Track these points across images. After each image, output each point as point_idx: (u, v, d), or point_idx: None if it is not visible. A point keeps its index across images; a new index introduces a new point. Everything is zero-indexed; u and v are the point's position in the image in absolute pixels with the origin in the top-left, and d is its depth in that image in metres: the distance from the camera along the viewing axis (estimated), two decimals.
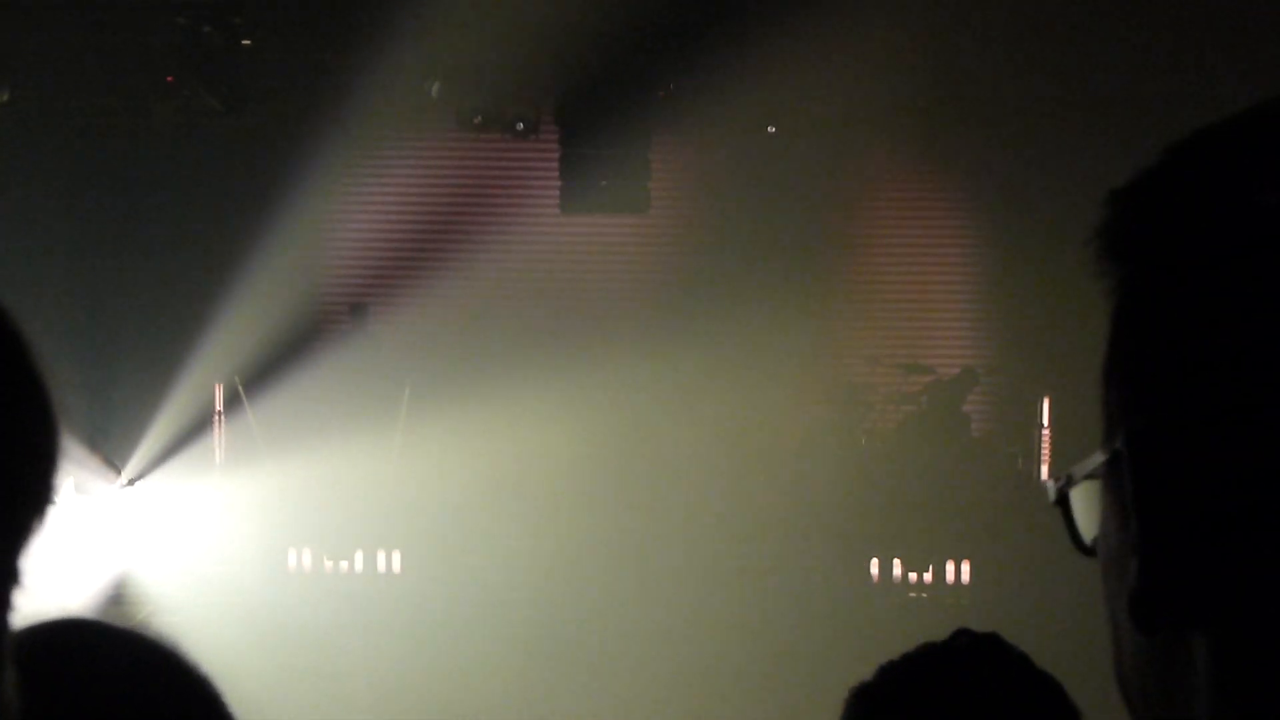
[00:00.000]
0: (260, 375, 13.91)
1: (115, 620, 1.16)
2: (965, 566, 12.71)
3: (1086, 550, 0.89)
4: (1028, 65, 13.38)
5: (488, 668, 11.24)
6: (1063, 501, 0.89)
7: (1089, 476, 0.88)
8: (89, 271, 13.56)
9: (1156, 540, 0.79)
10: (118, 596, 11.52)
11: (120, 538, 11.74)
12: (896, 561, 12.76)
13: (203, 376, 13.40)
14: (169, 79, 13.14)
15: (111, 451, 12.26)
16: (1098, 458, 0.86)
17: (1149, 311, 0.81)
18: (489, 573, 12.41)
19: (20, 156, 12.90)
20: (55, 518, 0.91)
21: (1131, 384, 0.83)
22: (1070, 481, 0.89)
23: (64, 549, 11.03)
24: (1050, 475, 0.90)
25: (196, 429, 13.23)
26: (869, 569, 12.83)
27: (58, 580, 10.56)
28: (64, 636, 1.28)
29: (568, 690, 11.72)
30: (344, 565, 12.90)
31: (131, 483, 12.34)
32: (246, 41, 12.82)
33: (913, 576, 12.78)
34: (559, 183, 13.94)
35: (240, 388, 13.69)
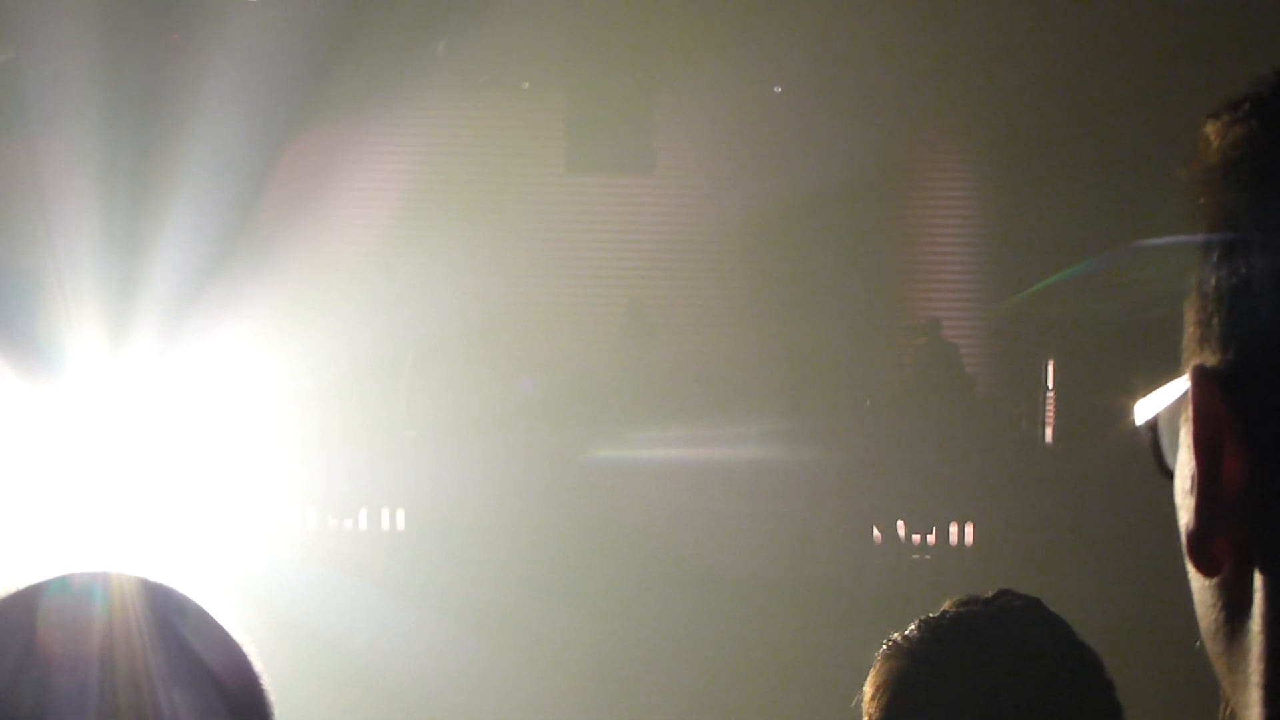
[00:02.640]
0: (267, 332, 13.91)
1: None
2: (969, 528, 12.73)
3: (1169, 475, 0.86)
4: (1037, 20, 13.34)
5: (491, 627, 11.28)
6: (1153, 425, 0.86)
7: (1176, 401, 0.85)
8: (97, 232, 13.54)
9: (1209, 484, 0.79)
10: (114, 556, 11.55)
11: (122, 492, 11.76)
12: (900, 523, 12.77)
13: (212, 333, 13.39)
14: (175, 36, 13.11)
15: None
16: (1182, 384, 0.83)
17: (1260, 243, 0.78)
18: (493, 531, 12.43)
19: (26, 115, 12.87)
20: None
21: (1207, 316, 0.81)
22: (1157, 405, 0.86)
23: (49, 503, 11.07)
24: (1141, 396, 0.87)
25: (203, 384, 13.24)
26: (872, 531, 12.85)
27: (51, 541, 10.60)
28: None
29: (573, 646, 11.75)
30: (348, 523, 12.91)
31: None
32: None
33: (916, 538, 12.79)
34: (564, 143, 13.91)
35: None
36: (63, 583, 1.13)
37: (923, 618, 1.77)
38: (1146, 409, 0.85)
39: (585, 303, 14.83)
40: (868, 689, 1.75)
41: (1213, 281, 0.80)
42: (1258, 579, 0.78)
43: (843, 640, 11.33)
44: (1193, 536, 0.80)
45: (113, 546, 11.03)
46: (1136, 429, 0.87)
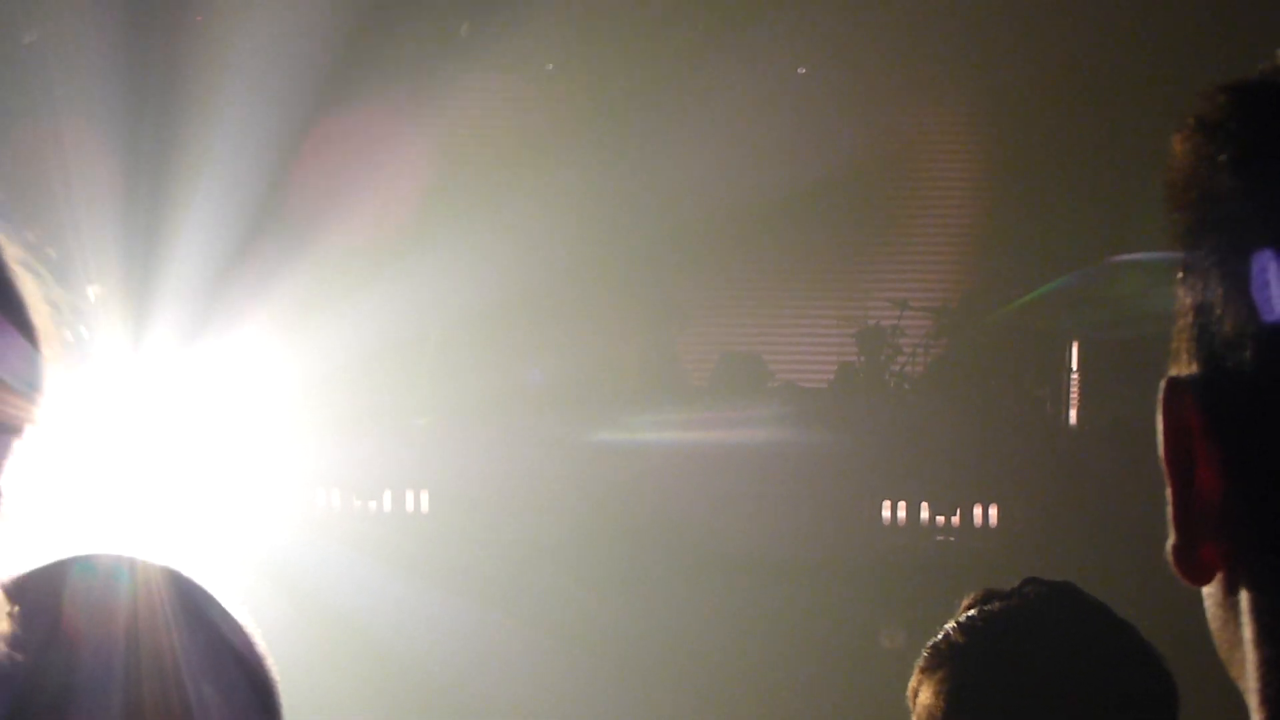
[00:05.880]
0: (292, 314, 13.95)
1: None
2: (993, 510, 12.70)
3: None
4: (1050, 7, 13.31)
5: (515, 609, 11.30)
6: None
7: None
8: (120, 215, 13.56)
9: (1184, 495, 0.79)
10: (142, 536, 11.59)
11: (147, 473, 11.79)
12: (924, 505, 12.75)
13: (237, 316, 13.42)
14: (198, 19, 13.13)
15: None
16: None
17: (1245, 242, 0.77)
18: (517, 514, 12.44)
19: (49, 98, 12.90)
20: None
21: (1180, 329, 0.81)
22: None
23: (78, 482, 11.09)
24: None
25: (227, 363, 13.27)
26: (897, 512, 12.83)
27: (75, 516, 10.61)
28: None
29: (596, 628, 11.77)
30: (372, 505, 12.94)
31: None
32: None
33: (940, 520, 12.76)
34: (589, 124, 13.89)
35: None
36: (88, 564, 1.13)
37: (959, 620, 1.74)
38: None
39: (606, 285, 14.82)
40: (922, 701, 1.72)
41: (1182, 295, 0.81)
42: (1242, 589, 0.78)
43: (866, 622, 11.34)
44: (1176, 549, 0.80)
45: (138, 528, 11.07)
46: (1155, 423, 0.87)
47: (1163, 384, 0.81)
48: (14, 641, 1.05)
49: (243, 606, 1.17)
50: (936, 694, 1.69)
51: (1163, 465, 0.82)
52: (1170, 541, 0.81)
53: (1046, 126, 13.92)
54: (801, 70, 14.40)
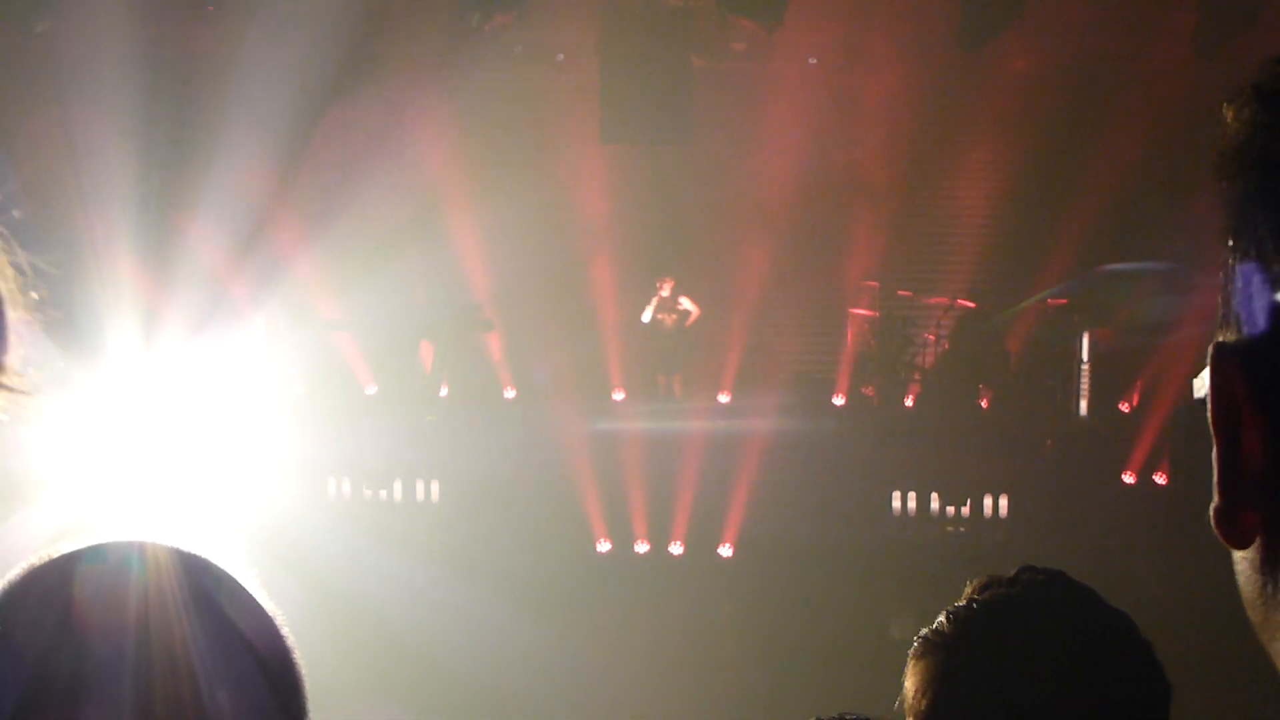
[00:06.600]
0: (305, 304, 13.99)
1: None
2: (1003, 500, 12.69)
3: None
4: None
5: (525, 597, 11.31)
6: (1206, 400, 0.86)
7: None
8: (135, 201, 13.58)
9: (1230, 459, 0.79)
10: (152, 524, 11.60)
11: (161, 461, 11.82)
12: (934, 495, 12.75)
13: (246, 301, 13.44)
14: (210, 8, 13.14)
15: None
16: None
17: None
18: (526, 503, 12.46)
19: (60, 84, 12.91)
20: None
21: (1226, 296, 0.82)
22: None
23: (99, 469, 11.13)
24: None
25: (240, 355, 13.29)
26: (907, 502, 12.82)
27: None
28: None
29: (606, 617, 11.79)
30: (383, 494, 12.95)
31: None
32: None
33: (950, 510, 12.76)
34: (599, 113, 13.87)
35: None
36: (99, 552, 1.14)
37: (949, 609, 1.75)
38: (1203, 384, 0.86)
39: (618, 272, 14.82)
40: (909, 689, 1.73)
41: (1230, 263, 0.81)
42: None
43: (876, 611, 11.35)
44: (1219, 511, 0.80)
45: (150, 515, 11.10)
46: (1197, 402, 0.87)
47: (1211, 349, 0.81)
48: (26, 629, 1.06)
49: (259, 585, 1.18)
50: (920, 682, 1.72)
51: (1210, 429, 0.82)
52: (1214, 504, 0.81)
53: (1065, 123, 13.95)
54: (812, 60, 14.38)
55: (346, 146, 14.16)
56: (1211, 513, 0.81)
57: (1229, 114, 0.81)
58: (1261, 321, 0.78)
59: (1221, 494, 0.80)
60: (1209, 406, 0.81)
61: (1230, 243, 0.81)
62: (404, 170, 14.49)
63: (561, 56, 14.53)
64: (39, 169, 13.13)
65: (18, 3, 12.49)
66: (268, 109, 13.23)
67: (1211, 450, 0.83)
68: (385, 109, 14.10)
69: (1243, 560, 0.82)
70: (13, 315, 1.01)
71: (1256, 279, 0.78)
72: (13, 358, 1.00)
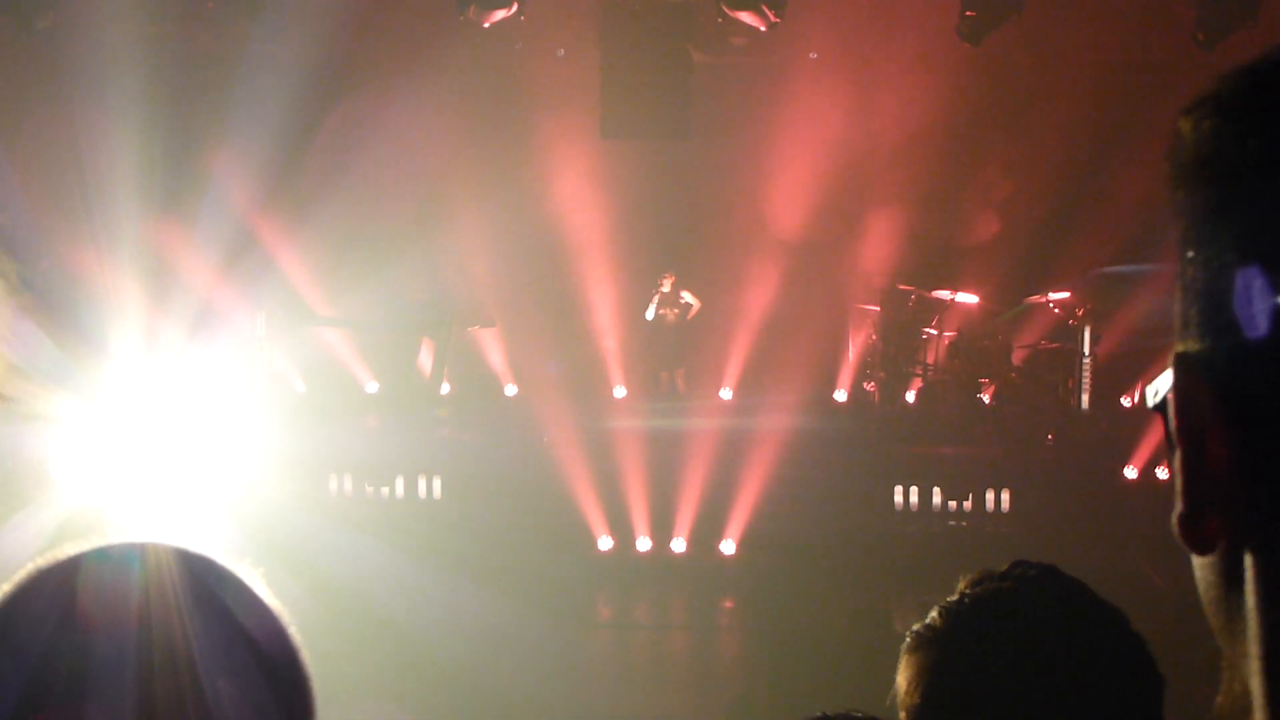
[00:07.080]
0: (308, 298, 14.00)
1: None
2: (1006, 495, 12.69)
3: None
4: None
5: (526, 594, 11.31)
6: (1162, 407, 0.87)
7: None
8: (136, 197, 13.59)
9: (1194, 467, 0.80)
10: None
11: (164, 462, 11.83)
12: (936, 490, 12.74)
13: (247, 299, 13.45)
14: (209, 4, 13.14)
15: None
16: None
17: (1235, 234, 0.78)
18: (528, 499, 12.46)
19: (61, 81, 12.91)
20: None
21: (1186, 306, 0.82)
22: (1166, 386, 0.87)
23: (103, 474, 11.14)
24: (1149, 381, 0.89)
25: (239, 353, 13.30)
26: (909, 497, 12.83)
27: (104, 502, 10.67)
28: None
29: (608, 613, 11.79)
30: (384, 491, 12.95)
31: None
32: None
33: (953, 505, 12.76)
34: (600, 108, 13.87)
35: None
36: (101, 552, 1.14)
37: (942, 604, 1.76)
38: (1157, 390, 0.87)
39: (619, 267, 14.83)
40: (901, 683, 1.74)
41: (1189, 273, 0.81)
42: (1248, 558, 0.79)
43: (878, 606, 11.35)
44: (1183, 518, 0.82)
45: (152, 513, 11.11)
46: (1149, 410, 0.89)
47: (1173, 359, 0.82)
48: (29, 628, 1.06)
49: (265, 584, 1.18)
50: (912, 676, 1.72)
51: (1173, 437, 0.82)
52: (1177, 511, 0.82)
53: (1067, 117, 13.95)
54: (813, 55, 14.38)
55: (346, 142, 14.17)
56: (1174, 519, 0.82)
57: (1186, 125, 0.81)
58: (1226, 332, 0.78)
59: (1185, 501, 0.81)
60: (1172, 415, 0.82)
61: (1190, 254, 0.81)
62: (404, 166, 14.50)
63: (562, 52, 14.54)
64: (40, 166, 13.13)
65: (19, 0, 12.49)
66: (268, 106, 13.24)
67: (1172, 455, 0.84)
68: (385, 105, 14.10)
69: (1204, 566, 0.83)
70: (13, 315, 1.01)
71: (1220, 290, 0.78)
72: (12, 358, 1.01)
